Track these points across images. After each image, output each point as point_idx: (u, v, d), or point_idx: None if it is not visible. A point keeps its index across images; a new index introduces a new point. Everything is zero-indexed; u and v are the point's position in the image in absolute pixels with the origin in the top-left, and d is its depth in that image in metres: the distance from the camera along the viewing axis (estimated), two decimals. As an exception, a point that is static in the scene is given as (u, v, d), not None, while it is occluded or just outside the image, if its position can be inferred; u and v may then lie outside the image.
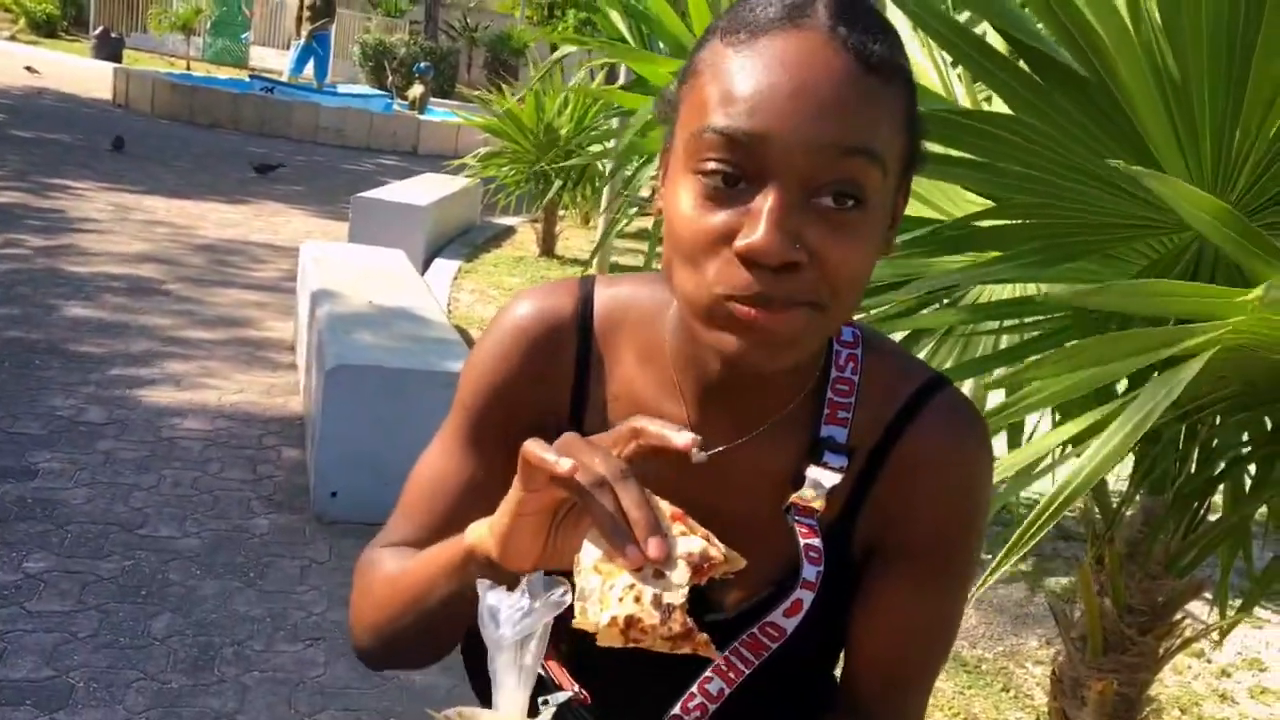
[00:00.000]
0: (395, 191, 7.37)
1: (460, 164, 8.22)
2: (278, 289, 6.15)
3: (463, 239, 8.17)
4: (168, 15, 20.49)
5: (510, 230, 9.13)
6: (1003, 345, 1.90)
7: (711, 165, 0.70)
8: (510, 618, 0.69)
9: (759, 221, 0.68)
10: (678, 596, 0.65)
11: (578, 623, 0.66)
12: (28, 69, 15.75)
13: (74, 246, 6.39)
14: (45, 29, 22.43)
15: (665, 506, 0.69)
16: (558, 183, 7.40)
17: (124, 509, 3.30)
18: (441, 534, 0.84)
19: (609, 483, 0.67)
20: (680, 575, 0.66)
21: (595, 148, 7.00)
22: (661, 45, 3.48)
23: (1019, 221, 1.61)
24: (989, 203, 1.67)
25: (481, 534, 0.76)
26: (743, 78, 0.70)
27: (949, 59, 1.94)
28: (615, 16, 3.32)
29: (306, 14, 15.95)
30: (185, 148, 11.15)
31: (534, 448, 0.69)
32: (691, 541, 0.68)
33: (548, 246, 8.14)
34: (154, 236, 6.99)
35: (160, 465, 3.63)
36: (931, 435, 0.87)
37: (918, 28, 1.79)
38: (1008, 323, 1.85)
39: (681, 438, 0.69)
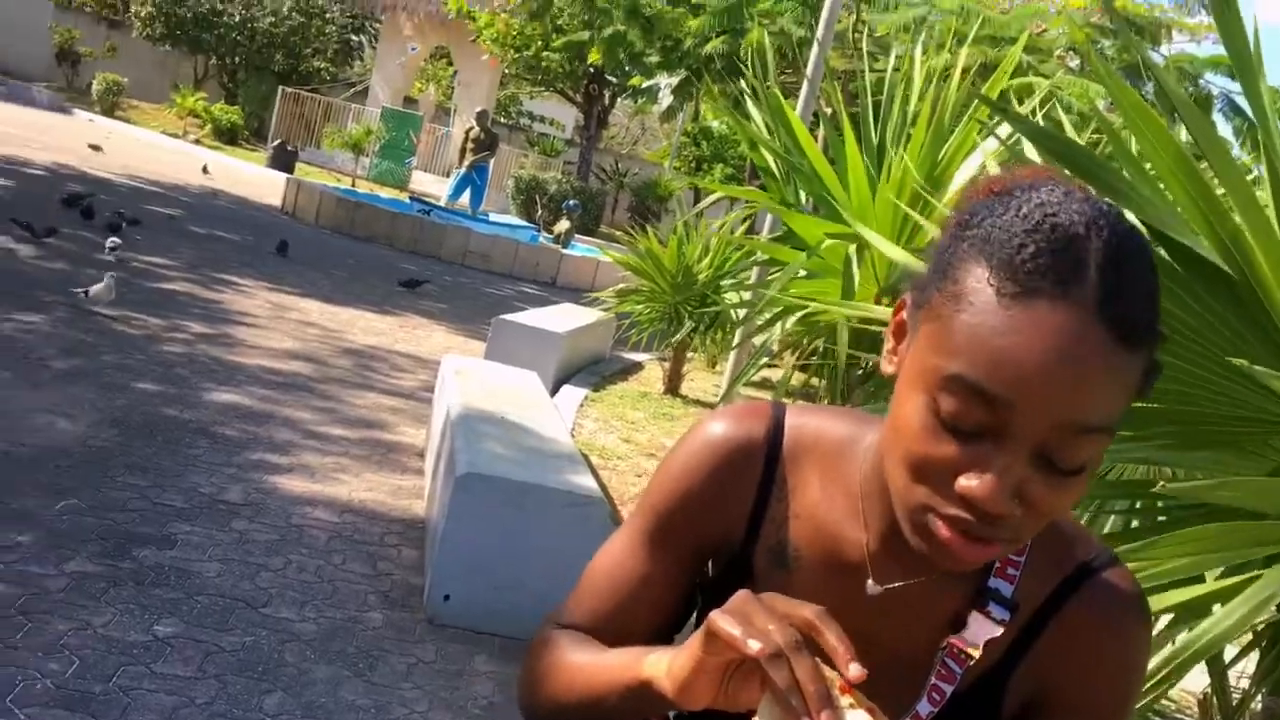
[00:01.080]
0: (534, 317, 7.66)
1: (597, 297, 8.53)
2: (413, 397, 6.41)
3: (592, 369, 8.39)
4: (341, 134, 21.91)
5: (638, 366, 9.33)
6: (1133, 525, 1.90)
7: (951, 408, 0.73)
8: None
9: (985, 472, 0.72)
10: None
11: None
12: (204, 170, 17.02)
13: (232, 337, 6.80)
14: (228, 136, 24.19)
15: (835, 677, 0.73)
16: (690, 324, 7.58)
17: (250, 587, 3.45)
18: (611, 621, 0.93)
19: (785, 654, 0.70)
20: None
21: (731, 295, 7.18)
22: (800, 194, 3.63)
23: (1155, 405, 1.64)
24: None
25: (659, 671, 0.81)
26: (1005, 341, 0.71)
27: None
28: (770, 163, 3.48)
29: (470, 146, 16.90)
30: (343, 258, 11.79)
31: (722, 624, 0.73)
32: (858, 716, 0.72)
33: (673, 385, 8.29)
34: (305, 336, 7.38)
35: (288, 550, 3.79)
36: (1094, 607, 0.89)
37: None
38: (1138, 504, 1.87)
39: (853, 669, 0.70)
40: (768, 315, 4.36)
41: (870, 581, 0.75)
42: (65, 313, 6.39)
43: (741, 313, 6.66)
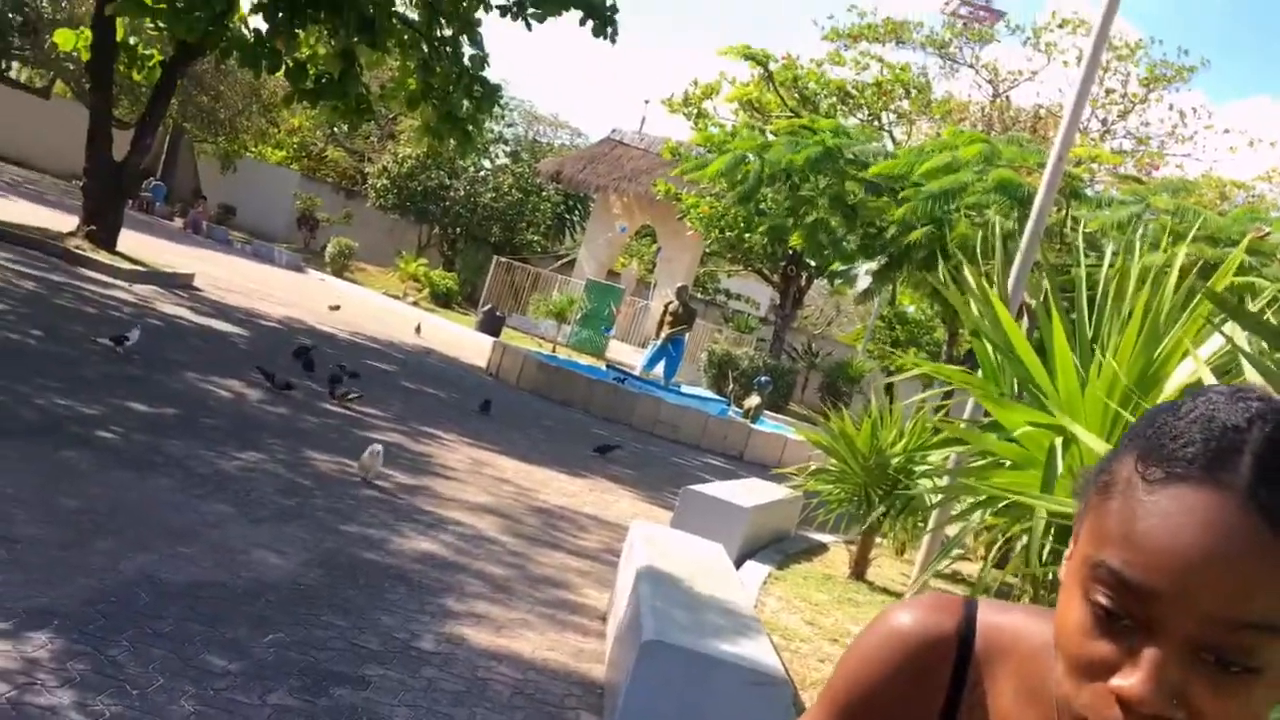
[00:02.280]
0: (721, 489, 7.68)
1: (785, 474, 8.47)
2: (599, 559, 6.48)
3: (776, 546, 8.29)
4: (546, 303, 22.99)
5: (823, 546, 9.15)
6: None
7: (1100, 599, 0.71)
8: None
9: (1139, 669, 0.69)
10: None
11: None
12: (416, 330, 18.12)
13: (432, 489, 7.09)
14: (443, 299, 25.74)
15: None
16: (880, 509, 7.43)
17: (434, 735, 3.51)
18: None
19: None
20: None
21: (925, 481, 7.03)
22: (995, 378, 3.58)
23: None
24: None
25: None
26: (1147, 525, 0.69)
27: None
28: (987, 350, 3.47)
29: (668, 319, 17.41)
30: (540, 419, 12.21)
31: None
32: None
33: (859, 570, 8.08)
34: (500, 492, 7.62)
35: (473, 702, 3.85)
36: None
37: None
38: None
39: None
40: (964, 504, 4.26)
41: None
42: (285, 455, 6.84)
43: (935, 499, 6.50)
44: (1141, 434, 0.74)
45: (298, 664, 3.75)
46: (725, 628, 3.98)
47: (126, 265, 13.98)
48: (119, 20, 14.44)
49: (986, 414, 4.61)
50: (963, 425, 4.64)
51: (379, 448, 6.74)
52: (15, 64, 34.49)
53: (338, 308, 17.70)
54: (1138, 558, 0.69)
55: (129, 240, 15.48)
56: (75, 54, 17.36)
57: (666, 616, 3.83)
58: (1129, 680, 0.69)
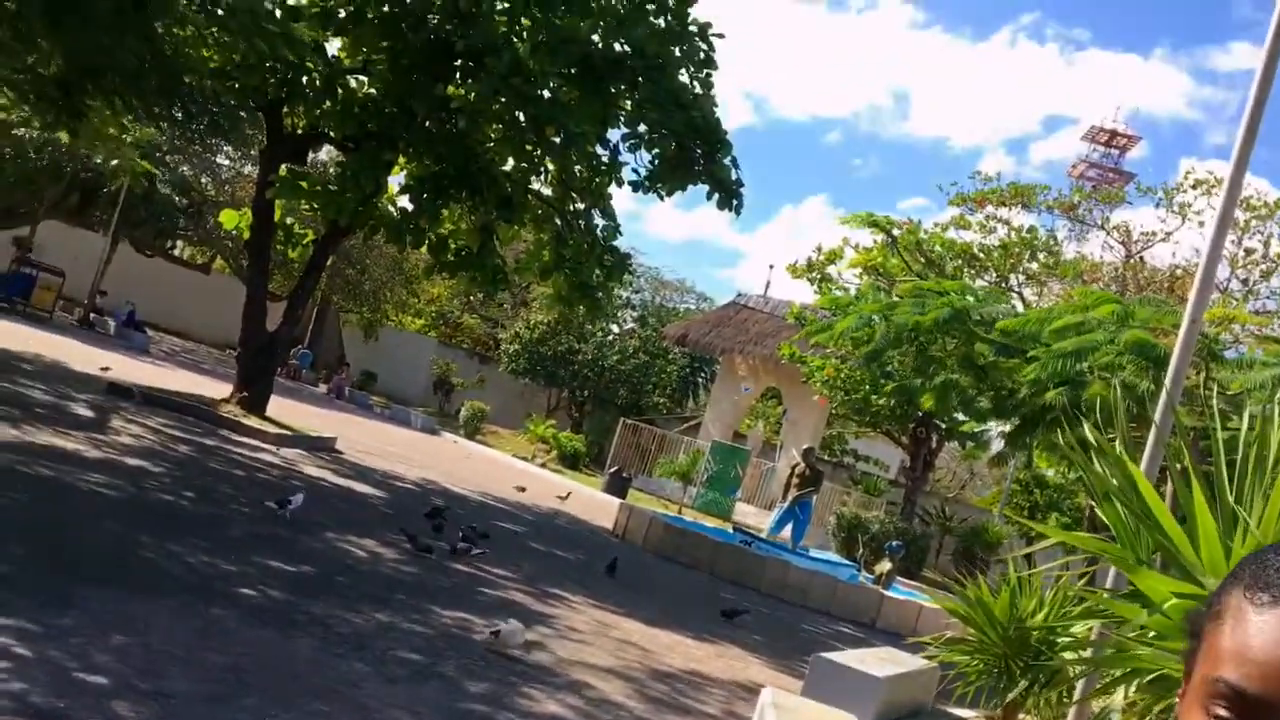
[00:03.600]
0: (853, 658, 7.48)
1: (922, 643, 8.20)
2: (727, 729, 6.35)
3: (912, 719, 7.97)
4: (672, 465, 23.11)
5: (962, 722, 8.76)
6: None
7: (1221, 712, 0.77)
8: None
9: None
10: None
11: None
12: (518, 489, 18.02)
13: (558, 650, 7.10)
14: (570, 461, 26.09)
15: None
16: (1023, 683, 7.11)
17: None
18: None
19: None
20: None
21: (1069, 654, 6.73)
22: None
23: None
24: None
25: None
26: (1259, 642, 0.76)
27: None
28: (1120, 515, 3.41)
29: (795, 480, 17.28)
30: (666, 582, 12.15)
31: None
32: None
33: (1001, 748, 7.68)
34: (625, 656, 7.58)
35: None
36: None
37: None
38: None
39: None
40: (1109, 677, 4.09)
41: None
42: (419, 615, 6.98)
43: (1079, 670, 6.21)
44: (1246, 568, 0.82)
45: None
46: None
47: (274, 430, 14.68)
48: (277, 203, 15.59)
49: (1129, 583, 4.46)
50: (1105, 595, 4.49)
51: (520, 626, 6.64)
52: (180, 242, 37.25)
53: (524, 489, 17.83)
54: (1253, 671, 0.76)
55: (277, 406, 16.29)
56: (235, 232, 18.70)
57: (798, 788, 3.74)
58: None
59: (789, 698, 5.65)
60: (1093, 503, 12.95)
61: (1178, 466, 3.60)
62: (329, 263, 19.44)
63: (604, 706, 6.04)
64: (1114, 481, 3.65)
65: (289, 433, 14.93)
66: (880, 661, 7.74)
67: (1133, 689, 3.90)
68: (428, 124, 14.53)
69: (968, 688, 7.64)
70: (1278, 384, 8.74)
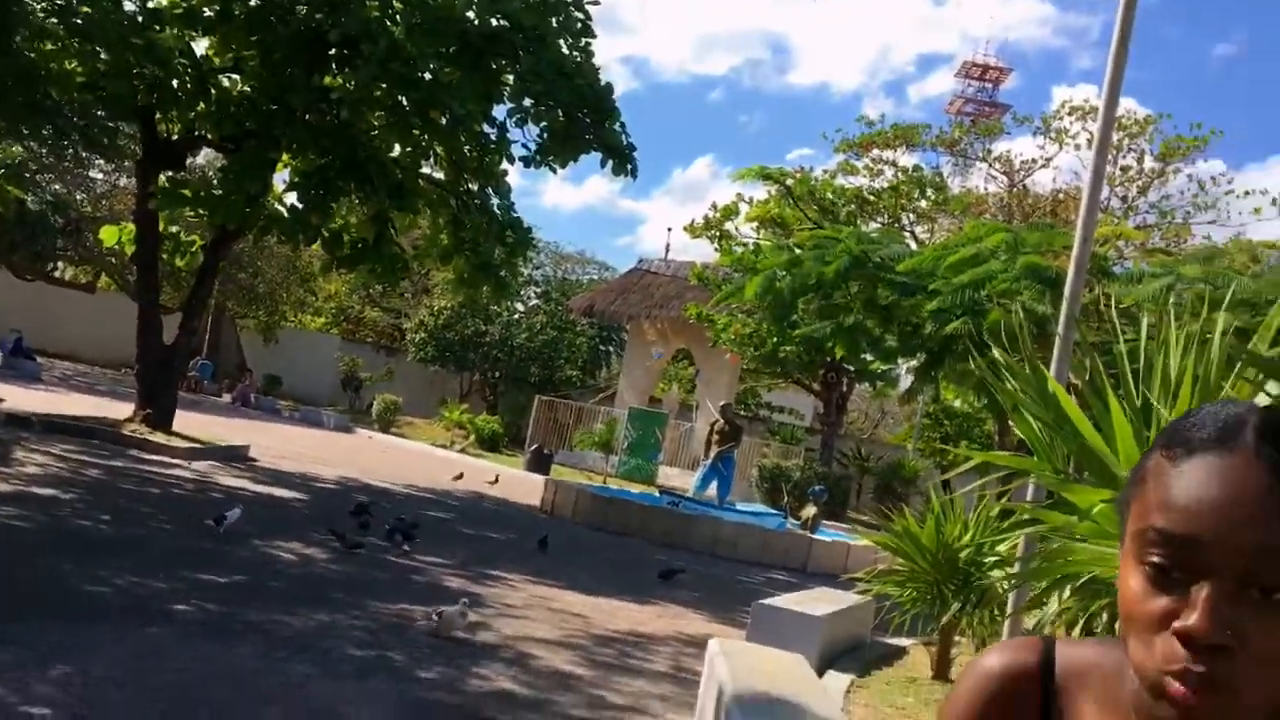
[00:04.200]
0: (793, 601, 7.64)
1: (854, 578, 8.40)
2: (677, 681, 6.44)
3: (853, 655, 8.17)
4: (590, 436, 23.17)
5: (901, 650, 9.01)
6: None
7: (1154, 558, 0.85)
8: None
9: (1194, 610, 0.81)
10: None
11: None
12: (455, 478, 17.83)
13: (502, 629, 7.12)
14: (489, 444, 25.96)
15: None
16: (955, 605, 7.35)
17: None
18: None
19: None
20: None
21: (997, 573, 6.97)
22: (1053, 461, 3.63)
23: None
24: None
25: None
26: (1179, 488, 0.85)
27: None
28: (1035, 430, 3.53)
29: (715, 438, 17.48)
30: (600, 551, 12.21)
31: None
32: None
33: (941, 670, 7.93)
34: (570, 626, 7.62)
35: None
36: None
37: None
38: None
39: None
40: (1039, 587, 4.24)
41: None
42: (357, 610, 6.92)
43: (1010, 586, 6.43)
44: (1162, 436, 0.91)
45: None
46: (817, 735, 3.97)
47: (183, 444, 14.32)
48: (160, 213, 15.11)
49: (1048, 496, 4.62)
50: (1029, 506, 4.66)
51: (462, 608, 6.58)
52: (60, 263, 35.90)
53: (460, 477, 17.56)
54: (1178, 515, 0.84)
55: (183, 420, 15.88)
56: (118, 248, 18.08)
57: (757, 729, 3.83)
58: (1188, 620, 0.81)
59: (736, 644, 5.76)
60: (999, 427, 13.36)
61: (1085, 377, 3.75)
62: (219, 269, 18.91)
63: (555, 677, 6.08)
64: (1026, 397, 3.78)
65: (199, 445, 14.58)
66: (817, 602, 7.92)
67: (1065, 595, 4.06)
68: (308, 117, 14.19)
69: (903, 617, 7.86)
70: (1168, 293, 9.10)
